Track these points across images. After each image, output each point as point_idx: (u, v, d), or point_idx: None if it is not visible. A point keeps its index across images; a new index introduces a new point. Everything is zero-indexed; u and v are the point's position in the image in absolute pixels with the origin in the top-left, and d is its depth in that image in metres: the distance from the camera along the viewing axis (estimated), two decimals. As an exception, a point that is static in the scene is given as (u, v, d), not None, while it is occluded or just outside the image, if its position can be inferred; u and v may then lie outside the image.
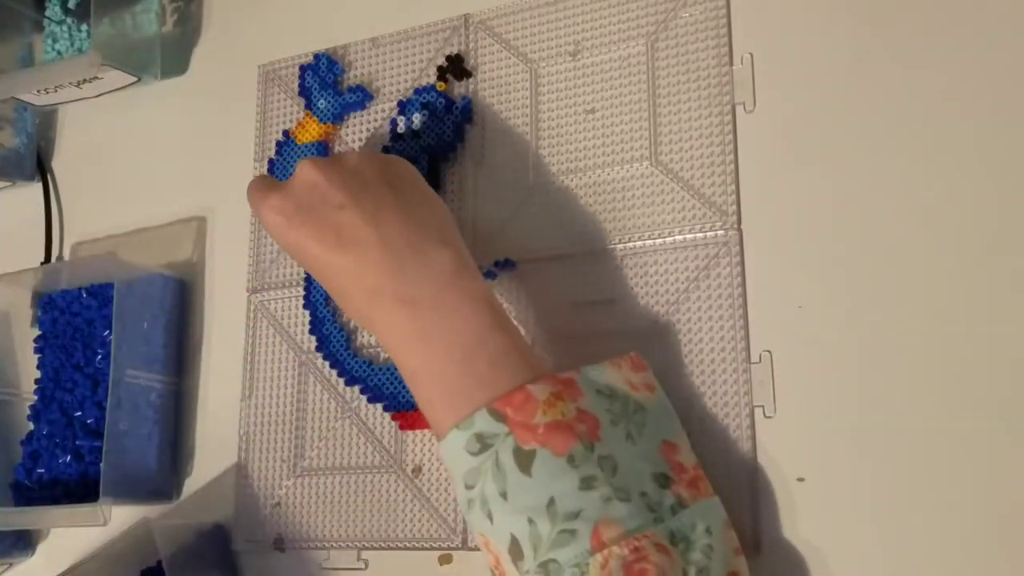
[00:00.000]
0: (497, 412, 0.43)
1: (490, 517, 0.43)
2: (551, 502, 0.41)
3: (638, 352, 0.48)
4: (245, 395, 0.62)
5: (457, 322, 0.45)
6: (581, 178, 0.55)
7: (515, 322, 0.50)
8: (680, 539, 0.41)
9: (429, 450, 0.56)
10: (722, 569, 0.41)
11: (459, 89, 0.60)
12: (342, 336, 0.60)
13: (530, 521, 0.41)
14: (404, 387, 0.57)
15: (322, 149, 0.63)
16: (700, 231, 0.52)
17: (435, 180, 0.59)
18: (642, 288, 0.52)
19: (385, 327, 0.47)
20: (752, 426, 0.48)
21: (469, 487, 0.44)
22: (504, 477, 0.42)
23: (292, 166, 0.64)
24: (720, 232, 0.51)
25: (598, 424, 0.43)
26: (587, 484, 0.41)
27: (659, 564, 0.40)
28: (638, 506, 0.41)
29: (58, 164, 0.77)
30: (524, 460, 0.42)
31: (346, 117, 0.63)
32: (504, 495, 0.42)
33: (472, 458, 0.43)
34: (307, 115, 0.64)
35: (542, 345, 0.54)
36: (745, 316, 0.50)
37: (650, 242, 0.53)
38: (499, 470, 0.42)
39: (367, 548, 0.56)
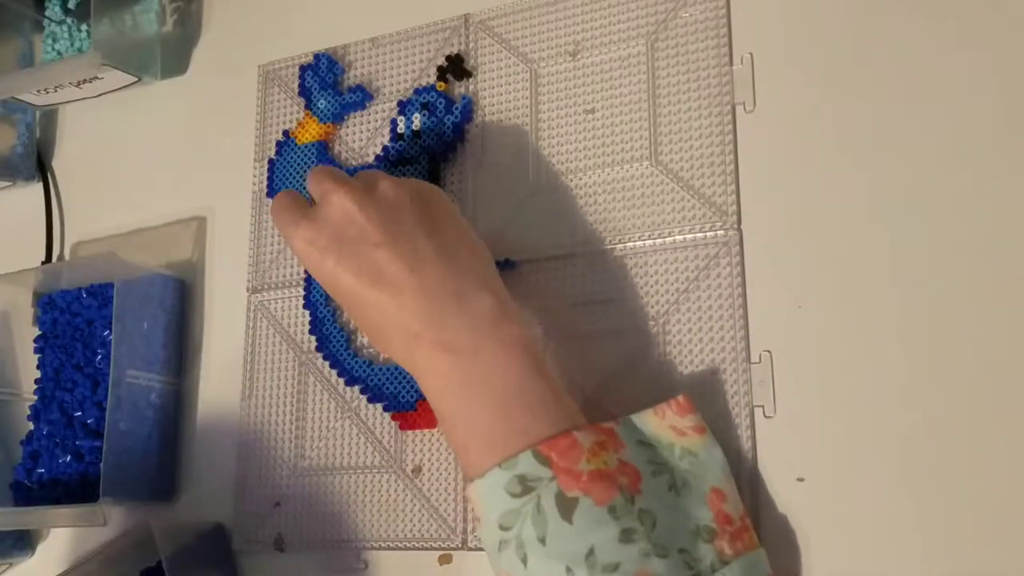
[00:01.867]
0: (542, 455, 0.42)
1: (524, 561, 0.42)
2: (591, 552, 0.41)
3: (687, 394, 0.47)
4: (245, 395, 0.62)
5: (497, 369, 0.45)
6: (581, 178, 0.55)
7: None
8: None
9: (429, 450, 0.56)
10: None
11: (459, 89, 0.60)
12: (342, 336, 0.60)
13: (568, 570, 0.41)
14: (404, 387, 0.57)
15: (322, 149, 0.63)
16: (700, 231, 0.52)
17: (435, 180, 0.59)
18: (642, 288, 0.52)
19: (424, 371, 0.46)
20: (752, 426, 0.48)
21: (504, 528, 0.43)
22: (545, 522, 0.41)
23: (292, 166, 0.64)
24: (720, 232, 0.51)
25: (639, 477, 0.43)
26: (627, 537, 0.41)
27: None
28: (676, 563, 0.41)
29: (58, 164, 0.77)
30: (566, 506, 0.41)
31: (346, 117, 0.63)
32: (543, 540, 0.41)
33: (512, 499, 0.42)
34: (307, 115, 0.64)
35: (542, 346, 0.54)
36: (745, 316, 0.50)
37: (650, 242, 0.53)
38: (540, 514, 0.42)
39: (367, 548, 0.56)
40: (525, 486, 0.42)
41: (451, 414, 0.46)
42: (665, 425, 0.46)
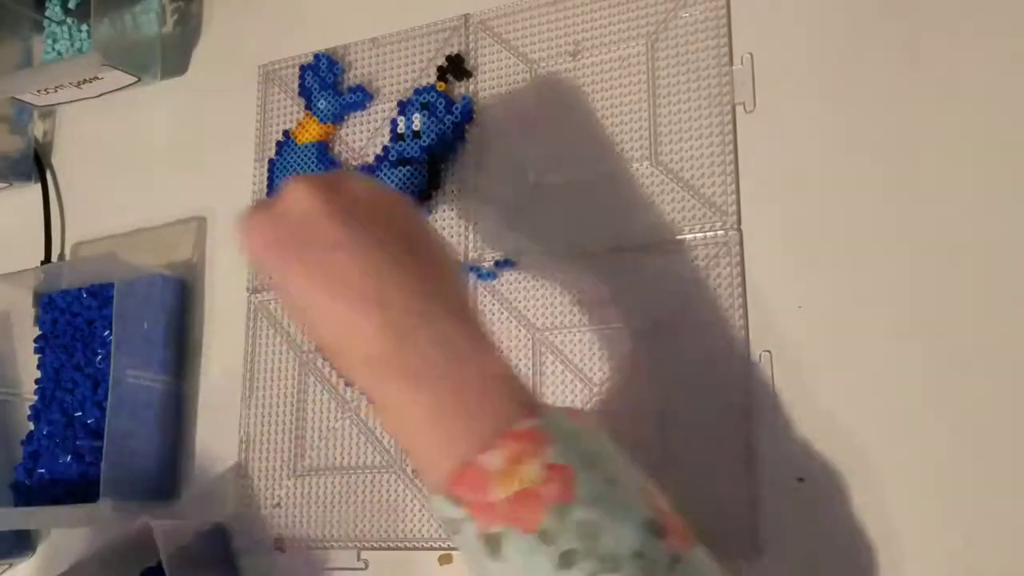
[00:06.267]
0: (452, 497, 0.37)
1: None
2: None
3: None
4: (245, 395, 0.62)
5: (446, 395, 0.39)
6: (581, 178, 0.55)
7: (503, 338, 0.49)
8: None
9: (429, 450, 0.56)
10: None
11: (459, 89, 0.60)
12: (342, 336, 0.59)
13: None
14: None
15: (322, 149, 0.63)
16: (700, 231, 0.52)
17: (435, 180, 0.59)
18: (642, 288, 0.52)
19: (382, 398, 0.40)
20: (752, 426, 0.48)
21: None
22: (480, 566, 0.37)
23: (292, 166, 0.64)
24: (720, 232, 0.51)
25: (572, 477, 0.36)
26: (566, 561, 0.35)
27: None
28: (631, 573, 0.35)
29: (58, 164, 0.77)
30: (493, 545, 0.36)
31: (346, 117, 0.63)
32: None
33: (455, 538, 0.38)
34: (307, 115, 0.64)
35: (542, 345, 0.54)
36: (745, 316, 0.50)
37: (650, 242, 0.53)
38: (472, 558, 0.37)
39: (367, 548, 0.56)
40: (453, 528, 0.37)
41: (407, 436, 0.40)
42: (567, 414, 0.40)
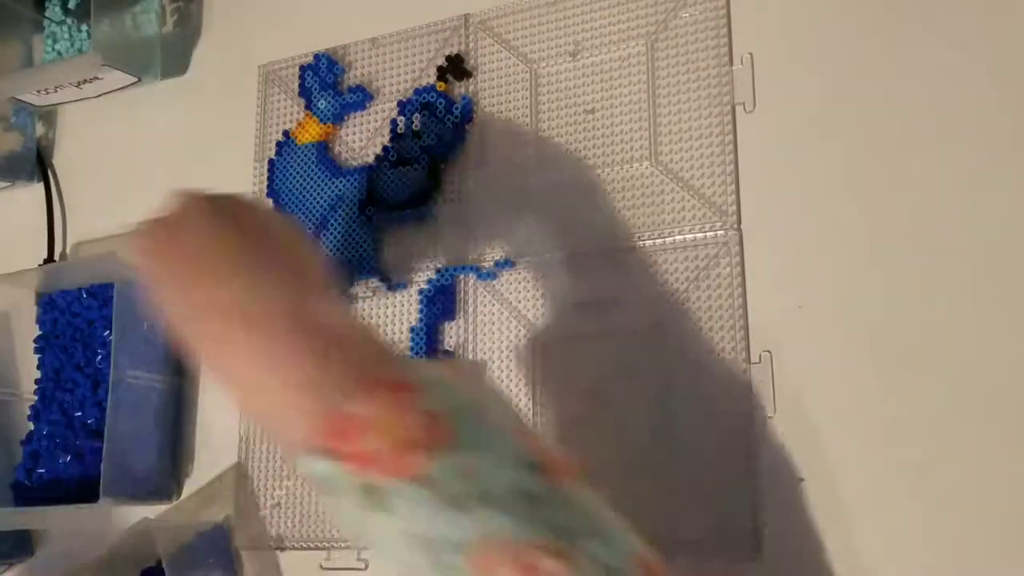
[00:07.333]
0: (324, 449, 0.35)
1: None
2: (424, 540, 0.34)
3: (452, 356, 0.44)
4: (245, 395, 0.62)
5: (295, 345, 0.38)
6: (581, 178, 0.55)
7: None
8: (575, 535, 0.35)
9: (429, 450, 0.56)
10: (626, 557, 0.35)
11: (459, 89, 0.60)
12: (342, 336, 0.59)
13: (409, 566, 0.35)
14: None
15: (322, 149, 0.63)
16: (700, 231, 0.52)
17: (435, 180, 0.59)
18: (642, 288, 0.52)
19: (233, 358, 0.40)
20: (752, 426, 0.48)
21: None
22: (360, 521, 0.35)
23: (292, 166, 0.64)
24: (720, 232, 0.51)
25: (450, 423, 0.36)
26: (452, 504, 0.34)
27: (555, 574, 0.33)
28: (518, 511, 0.34)
29: (59, 164, 0.77)
30: (374, 496, 0.35)
31: (346, 117, 0.63)
32: (374, 544, 0.36)
33: (328, 499, 0.36)
34: (307, 115, 0.64)
35: (542, 345, 0.54)
36: (745, 316, 0.50)
37: (650, 242, 0.53)
38: (349, 514, 0.36)
39: (367, 548, 0.56)
40: (327, 486, 0.36)
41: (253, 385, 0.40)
42: (441, 367, 0.40)
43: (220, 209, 0.44)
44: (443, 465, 0.35)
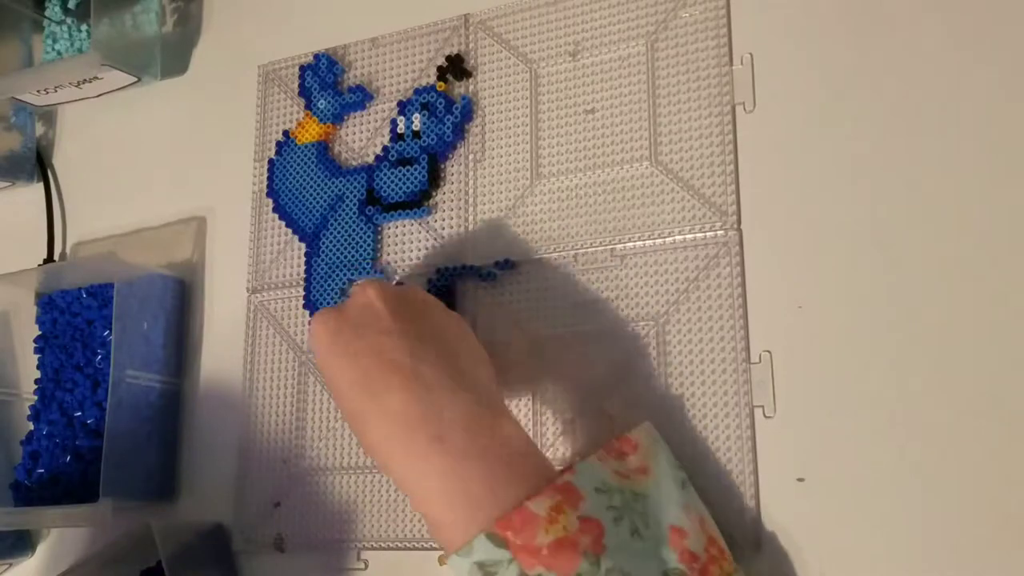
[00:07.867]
0: (497, 537, 0.40)
1: None
2: None
3: (647, 426, 0.47)
4: (245, 395, 0.62)
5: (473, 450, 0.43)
6: (581, 178, 0.55)
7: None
8: None
9: (429, 450, 0.56)
10: None
11: (459, 89, 0.60)
12: (342, 336, 0.59)
13: None
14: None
15: (322, 149, 0.63)
16: (700, 231, 0.52)
17: (435, 180, 0.59)
18: (642, 288, 0.52)
19: (410, 464, 0.44)
20: (752, 426, 0.48)
21: None
22: None
23: (292, 166, 0.64)
24: (720, 232, 0.51)
25: (602, 529, 0.41)
26: None
27: None
28: None
29: (58, 164, 0.77)
30: None
31: (346, 117, 0.63)
32: None
33: None
34: (307, 115, 0.64)
35: (543, 346, 0.54)
36: (745, 316, 0.50)
37: (650, 242, 0.53)
38: None
39: (367, 548, 0.56)
40: (486, 572, 0.40)
41: (425, 492, 0.44)
42: (609, 471, 0.44)
43: (400, 307, 0.48)
44: (593, 570, 0.40)
